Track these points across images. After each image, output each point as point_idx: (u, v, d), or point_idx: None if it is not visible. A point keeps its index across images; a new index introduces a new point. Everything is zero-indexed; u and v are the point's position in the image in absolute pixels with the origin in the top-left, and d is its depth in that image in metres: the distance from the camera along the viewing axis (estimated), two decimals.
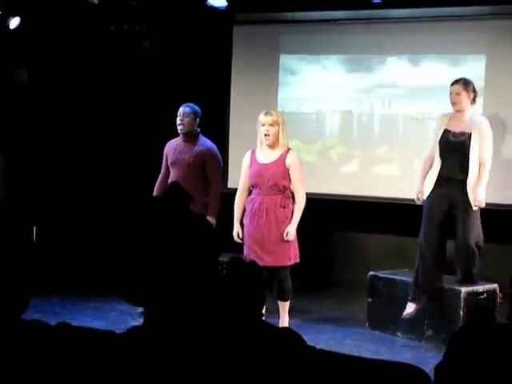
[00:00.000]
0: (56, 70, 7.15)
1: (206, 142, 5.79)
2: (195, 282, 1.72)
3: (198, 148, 5.74)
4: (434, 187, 5.42)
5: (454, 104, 5.35)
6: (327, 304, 6.58)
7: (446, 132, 5.36)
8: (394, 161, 6.93)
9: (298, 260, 5.34)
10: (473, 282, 5.43)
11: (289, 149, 5.35)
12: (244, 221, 5.38)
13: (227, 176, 7.47)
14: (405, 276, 5.82)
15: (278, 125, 5.28)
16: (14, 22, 6.68)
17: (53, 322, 2.07)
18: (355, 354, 5.00)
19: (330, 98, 7.17)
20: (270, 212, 5.24)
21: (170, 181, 5.66)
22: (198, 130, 5.80)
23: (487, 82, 6.55)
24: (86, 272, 6.69)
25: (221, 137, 7.50)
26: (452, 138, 5.33)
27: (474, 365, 1.98)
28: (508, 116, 6.44)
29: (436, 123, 5.60)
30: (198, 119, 5.79)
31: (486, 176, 5.34)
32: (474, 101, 5.37)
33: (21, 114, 6.79)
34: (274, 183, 5.24)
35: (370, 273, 5.95)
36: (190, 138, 5.75)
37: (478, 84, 6.58)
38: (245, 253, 5.32)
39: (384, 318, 5.75)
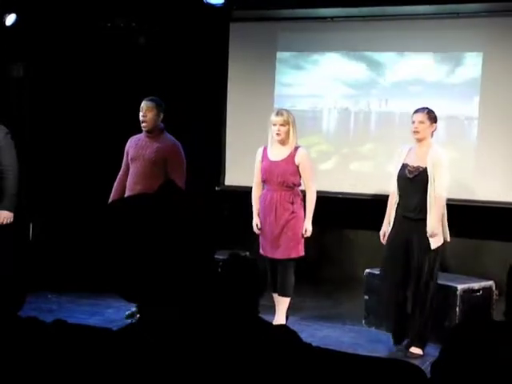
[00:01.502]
0: (52, 67, 7.13)
1: (169, 138, 5.64)
2: (191, 279, 1.72)
3: (160, 144, 5.58)
4: (392, 226, 5.16)
5: (415, 133, 5.06)
6: (323, 301, 6.59)
7: (403, 166, 5.10)
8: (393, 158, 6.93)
9: (303, 253, 5.43)
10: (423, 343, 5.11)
11: (298, 146, 5.44)
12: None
13: (224, 173, 7.47)
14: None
15: (289, 124, 5.40)
16: (10, 19, 6.67)
17: (49, 319, 2.07)
18: (351, 351, 5.02)
19: (326, 95, 7.17)
20: (279, 207, 5.36)
21: (129, 177, 5.62)
22: (162, 125, 5.64)
23: (484, 79, 6.55)
24: (82, 269, 6.68)
25: (217, 134, 7.50)
26: (408, 174, 5.06)
27: (470, 361, 1.99)
28: (504, 113, 6.45)
29: (396, 156, 5.26)
30: (161, 114, 5.61)
31: (441, 211, 5.02)
32: (432, 134, 5.12)
33: (16, 110, 6.77)
34: (284, 180, 5.36)
35: (367, 270, 5.96)
36: (154, 133, 5.59)
37: (475, 81, 6.62)
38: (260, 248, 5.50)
39: (381, 315, 5.75)
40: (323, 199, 6.55)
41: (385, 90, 6.96)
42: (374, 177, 6.90)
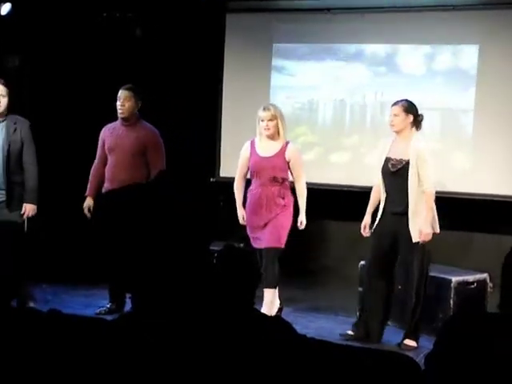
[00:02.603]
0: (48, 57, 7.10)
1: (147, 126, 5.61)
2: (186, 270, 1.73)
3: (139, 133, 5.54)
4: (379, 219, 5.16)
5: (391, 126, 5.10)
6: (318, 293, 6.60)
7: (387, 160, 5.10)
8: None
9: (282, 246, 5.37)
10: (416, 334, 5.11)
11: (288, 141, 5.43)
12: (245, 211, 5.50)
13: (219, 165, 7.46)
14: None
15: (277, 118, 5.36)
16: (5, 9, 6.64)
17: (44, 309, 2.07)
18: (345, 343, 5.04)
19: (323, 87, 7.16)
20: (270, 202, 5.35)
21: (108, 167, 5.58)
22: (137, 113, 5.62)
23: (480, 72, 6.55)
24: (77, 260, 6.68)
25: (213, 125, 7.48)
26: (391, 168, 5.07)
27: (464, 354, 1.99)
28: (501, 106, 6.45)
29: (380, 148, 5.28)
30: (139, 102, 5.58)
31: (429, 206, 5.02)
32: (416, 126, 5.10)
33: (11, 101, 6.75)
34: (274, 176, 5.35)
35: (361, 262, 5.96)
36: (131, 121, 5.56)
37: (471, 74, 6.61)
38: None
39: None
40: (320, 191, 6.57)
41: (381, 82, 6.95)
42: (370, 169, 6.90)
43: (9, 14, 6.65)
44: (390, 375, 1.82)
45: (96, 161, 5.74)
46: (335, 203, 7.13)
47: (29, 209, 5.44)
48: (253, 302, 2.52)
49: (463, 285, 5.44)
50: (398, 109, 5.07)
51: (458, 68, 6.64)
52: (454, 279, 5.41)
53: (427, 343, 4.86)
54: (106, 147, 5.65)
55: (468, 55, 6.60)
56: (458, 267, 5.94)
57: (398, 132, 5.09)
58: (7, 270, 5.10)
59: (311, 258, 7.19)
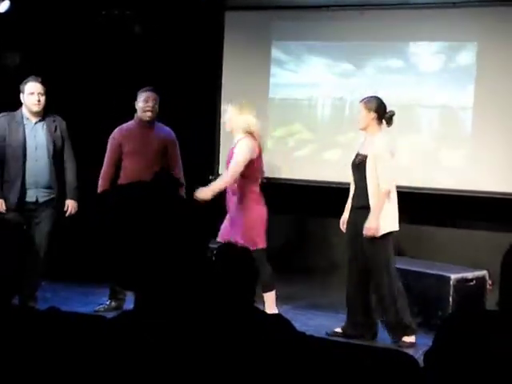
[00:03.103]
0: (47, 55, 7.09)
1: (163, 126, 5.57)
2: (185, 267, 1.72)
3: (160, 133, 5.50)
4: (348, 214, 5.23)
5: (358, 122, 5.15)
6: (317, 290, 6.60)
7: (356, 155, 5.15)
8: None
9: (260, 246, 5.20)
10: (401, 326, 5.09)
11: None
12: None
13: (218, 162, 7.46)
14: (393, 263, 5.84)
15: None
16: (4, 6, 6.63)
17: (43, 307, 2.07)
18: (344, 340, 5.04)
19: (322, 84, 7.16)
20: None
21: (131, 170, 5.35)
22: None
23: (479, 69, 6.55)
24: (76, 257, 6.68)
25: (212, 123, 7.48)
26: (356, 162, 5.12)
27: (463, 351, 2.00)
28: (499, 103, 6.45)
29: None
30: None
31: (379, 203, 4.96)
32: (387, 122, 5.09)
33: (12, 98, 6.74)
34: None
35: None
36: (152, 123, 5.53)
37: (470, 71, 6.61)
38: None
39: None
40: (319, 188, 6.58)
41: (379, 79, 6.95)
42: None
43: (8, 11, 6.64)
44: (389, 372, 1.82)
45: (107, 164, 5.54)
46: (334, 200, 7.12)
47: (71, 205, 5.42)
48: (253, 300, 2.53)
49: (462, 282, 5.45)
50: (361, 106, 5.11)
51: (456, 65, 6.65)
52: (453, 276, 5.41)
53: (426, 340, 4.86)
54: (124, 150, 5.47)
55: (467, 52, 6.60)
56: (457, 264, 5.95)
57: (362, 129, 5.12)
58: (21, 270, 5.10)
59: (310, 256, 7.19)
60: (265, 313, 2.38)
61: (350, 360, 1.88)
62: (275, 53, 7.31)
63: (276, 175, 7.24)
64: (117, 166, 5.50)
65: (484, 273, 5.60)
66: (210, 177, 7.46)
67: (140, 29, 7.21)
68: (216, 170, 7.49)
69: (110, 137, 5.56)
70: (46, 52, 7.10)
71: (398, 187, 6.72)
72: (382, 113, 5.07)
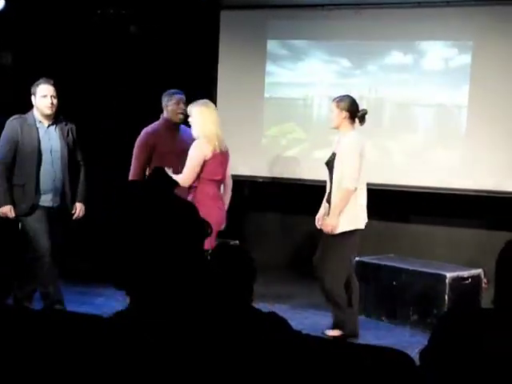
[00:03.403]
0: (42, 54, 7.09)
1: (185, 127, 5.53)
2: (181, 267, 1.72)
3: (185, 134, 5.46)
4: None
5: (331, 121, 5.16)
6: (313, 289, 6.59)
7: (332, 154, 5.20)
8: (380, 146, 6.93)
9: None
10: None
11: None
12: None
13: None
14: (390, 261, 5.86)
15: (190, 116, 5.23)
16: None
17: (39, 307, 2.07)
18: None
19: (317, 83, 7.16)
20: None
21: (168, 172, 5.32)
22: None
23: (474, 68, 6.56)
24: (71, 257, 6.67)
25: None
26: (328, 160, 5.17)
27: (458, 349, 2.00)
28: (494, 103, 6.46)
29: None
30: None
31: (340, 201, 5.00)
32: (360, 121, 5.12)
33: (4, 98, 6.73)
34: None
35: (356, 258, 5.97)
36: (179, 125, 5.53)
37: (465, 70, 6.62)
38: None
39: (369, 303, 5.79)
40: (317, 188, 6.56)
41: (375, 78, 6.96)
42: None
43: (2, 10, 6.62)
44: (384, 371, 1.83)
45: (139, 168, 5.42)
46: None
47: (80, 208, 5.33)
48: (250, 299, 2.52)
49: (458, 280, 5.46)
50: (332, 105, 5.13)
51: (451, 64, 6.65)
52: (449, 275, 5.42)
53: (422, 339, 4.86)
54: (156, 153, 5.38)
55: (462, 51, 6.61)
56: (452, 263, 5.96)
57: (335, 127, 5.13)
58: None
59: (306, 255, 7.19)
60: (261, 312, 2.38)
61: (346, 358, 1.89)
62: (270, 52, 7.31)
63: (270, 174, 7.24)
64: (146, 168, 5.43)
65: (479, 271, 5.62)
66: None
67: (135, 28, 7.21)
68: None
69: (140, 141, 5.43)
70: (40, 51, 7.09)
71: (392, 186, 6.78)
72: (354, 112, 5.09)
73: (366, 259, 5.96)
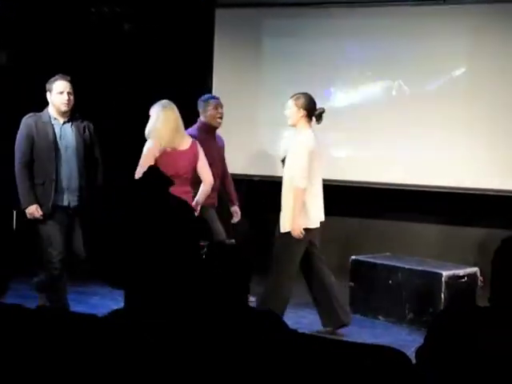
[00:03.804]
0: (36, 53, 7.06)
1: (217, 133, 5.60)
2: (176, 266, 1.72)
3: (219, 139, 5.58)
4: None
5: (288, 118, 5.14)
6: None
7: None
8: (376, 144, 6.92)
9: None
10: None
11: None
12: None
13: None
14: (386, 260, 5.86)
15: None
16: None
17: (33, 306, 2.06)
18: (336, 337, 5.04)
19: (313, 81, 7.14)
20: None
21: (212, 181, 5.22)
22: None
23: (470, 67, 6.56)
24: (66, 256, 6.66)
25: None
26: (284, 157, 5.16)
27: (454, 347, 2.00)
28: (491, 103, 6.45)
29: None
30: None
31: (293, 201, 5.00)
32: (316, 120, 5.12)
33: (0, 98, 6.71)
34: None
35: (352, 257, 5.98)
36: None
37: (461, 70, 6.62)
38: None
39: (365, 301, 5.79)
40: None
41: (371, 76, 6.95)
42: (362, 164, 6.92)
43: None
44: (381, 369, 1.82)
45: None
46: (325, 198, 7.12)
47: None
48: (245, 298, 2.52)
49: (454, 279, 5.46)
50: (290, 102, 5.12)
51: (448, 62, 6.64)
52: (445, 273, 5.42)
53: (418, 337, 4.87)
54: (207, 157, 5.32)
55: (458, 50, 6.60)
56: (448, 261, 5.96)
57: (292, 125, 5.12)
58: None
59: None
60: (257, 310, 2.38)
61: (342, 357, 1.88)
62: (266, 50, 7.29)
63: (266, 173, 7.23)
64: None
65: (475, 270, 5.62)
66: None
67: (130, 26, 7.19)
68: None
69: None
70: (36, 50, 7.07)
71: (389, 185, 6.77)
72: (311, 110, 5.09)
73: (361, 258, 5.96)
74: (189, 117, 7.33)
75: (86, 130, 5.18)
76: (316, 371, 1.79)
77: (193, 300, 1.96)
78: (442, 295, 5.36)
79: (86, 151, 5.13)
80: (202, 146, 5.29)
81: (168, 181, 1.83)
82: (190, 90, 7.43)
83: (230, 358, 1.78)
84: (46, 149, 5.00)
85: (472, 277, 5.57)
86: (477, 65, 6.52)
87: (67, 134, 5.09)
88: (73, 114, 5.16)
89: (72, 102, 5.10)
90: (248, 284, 2.64)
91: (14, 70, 7.04)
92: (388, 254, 6.16)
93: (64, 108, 5.06)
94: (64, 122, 5.10)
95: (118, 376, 1.69)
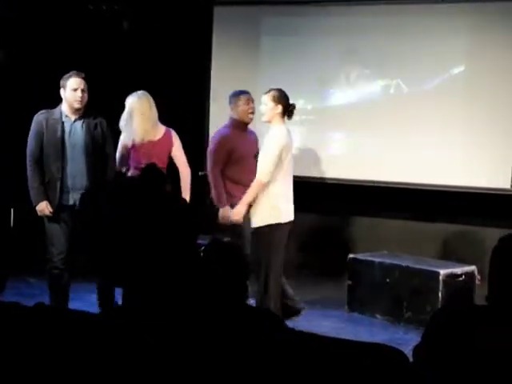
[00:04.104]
0: (34, 51, 7.06)
1: (249, 128, 5.43)
2: (174, 264, 1.72)
3: (252, 135, 5.41)
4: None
5: (262, 114, 5.16)
6: (307, 287, 6.60)
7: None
8: (374, 142, 6.92)
9: None
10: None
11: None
12: None
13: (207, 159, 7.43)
14: (384, 258, 5.86)
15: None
16: None
17: (31, 304, 2.05)
18: (334, 336, 5.04)
19: (311, 80, 7.14)
20: None
21: (242, 174, 5.19)
22: None
23: (468, 67, 6.56)
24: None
25: (200, 119, 7.46)
26: (257, 152, 5.20)
27: (452, 346, 2.00)
28: (488, 102, 6.45)
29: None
30: None
31: (249, 192, 5.05)
32: (288, 115, 5.15)
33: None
34: None
35: (350, 255, 5.98)
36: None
37: (459, 69, 6.62)
38: None
39: (363, 300, 5.79)
40: (307, 185, 6.57)
41: (369, 73, 6.95)
42: (361, 163, 6.92)
43: None
44: (379, 367, 1.82)
45: (219, 175, 5.27)
46: (321, 197, 7.13)
47: None
48: (244, 296, 2.52)
49: (451, 277, 5.46)
50: (267, 99, 5.12)
51: (446, 61, 6.64)
52: (442, 272, 5.43)
53: (415, 336, 4.87)
54: (237, 155, 5.24)
55: (456, 49, 6.60)
56: (445, 260, 5.96)
57: (267, 121, 5.13)
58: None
59: (299, 252, 7.19)
60: (255, 309, 2.38)
61: (340, 355, 1.88)
62: (264, 48, 7.29)
63: None
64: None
65: (473, 268, 5.62)
66: (200, 173, 7.45)
67: (128, 24, 7.18)
68: (205, 166, 7.47)
69: (215, 145, 5.32)
70: (33, 48, 7.06)
71: (386, 183, 6.77)
72: (287, 106, 5.12)
73: (359, 256, 5.96)
74: (188, 114, 7.36)
75: (98, 127, 5.11)
76: (314, 370, 1.79)
77: (191, 298, 1.96)
78: (440, 294, 5.36)
79: (96, 149, 5.06)
80: (234, 143, 5.26)
81: (165, 178, 1.83)
82: (188, 88, 7.44)
83: (229, 357, 1.78)
84: (53, 146, 4.97)
85: (469, 275, 5.57)
86: (475, 64, 6.52)
87: (77, 132, 5.05)
88: (86, 111, 5.11)
89: (85, 100, 5.07)
90: (246, 282, 2.64)
91: (12, 69, 7.03)
92: (385, 252, 6.17)
93: (77, 105, 5.03)
94: (75, 120, 5.07)
95: (116, 374, 1.69)
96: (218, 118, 7.37)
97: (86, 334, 1.75)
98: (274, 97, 5.08)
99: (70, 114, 5.06)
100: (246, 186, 5.16)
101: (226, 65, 7.34)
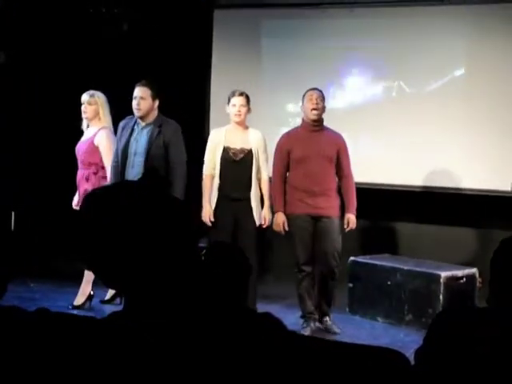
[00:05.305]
0: (34, 53, 7.07)
1: (333, 130, 5.36)
2: (174, 266, 1.71)
3: (332, 136, 5.27)
4: (215, 207, 5.25)
5: (237, 115, 5.23)
6: None
7: (225, 149, 5.24)
8: (375, 144, 6.92)
9: None
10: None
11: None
12: None
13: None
14: (385, 261, 5.86)
15: (97, 104, 5.49)
16: None
17: (31, 308, 2.05)
18: (335, 338, 5.04)
19: (311, 82, 7.13)
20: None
21: (300, 177, 5.17)
22: None
23: (468, 68, 6.56)
24: (64, 258, 6.66)
25: (201, 122, 7.46)
26: (233, 156, 5.22)
27: (453, 348, 1.99)
28: (488, 103, 6.45)
29: (210, 140, 5.41)
30: None
31: (268, 197, 5.28)
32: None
33: None
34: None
35: (351, 258, 5.97)
36: (321, 125, 5.34)
37: (459, 71, 6.62)
38: None
39: (364, 302, 5.78)
40: None
41: (370, 77, 6.95)
42: (358, 164, 6.91)
43: None
44: (380, 370, 1.82)
45: (279, 176, 5.29)
46: None
47: None
48: (244, 299, 2.51)
49: (452, 280, 5.46)
50: (244, 100, 5.27)
51: (446, 62, 6.64)
52: (444, 274, 5.42)
53: (417, 338, 4.87)
54: (296, 156, 5.20)
55: (456, 51, 6.60)
56: (447, 262, 5.96)
57: (241, 122, 5.29)
58: None
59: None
60: (255, 312, 2.37)
61: (341, 358, 1.87)
62: (265, 51, 7.29)
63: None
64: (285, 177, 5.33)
65: (474, 271, 5.62)
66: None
67: (128, 27, 7.19)
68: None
69: (276, 145, 5.33)
70: (34, 50, 7.07)
71: (387, 185, 6.76)
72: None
73: (360, 259, 5.96)
74: (187, 117, 7.35)
75: (161, 135, 5.09)
76: (315, 373, 1.79)
77: (192, 301, 1.96)
78: (441, 296, 5.36)
79: (155, 156, 5.03)
80: (303, 144, 5.22)
81: (166, 181, 1.83)
82: (189, 91, 7.44)
83: (229, 359, 1.77)
84: (121, 154, 5.07)
85: (471, 278, 5.57)
86: (476, 65, 6.53)
87: (141, 139, 5.08)
88: (157, 119, 5.13)
89: (146, 107, 5.07)
90: (247, 285, 2.64)
91: (13, 70, 7.03)
92: (387, 254, 6.16)
93: (136, 114, 5.10)
94: (143, 127, 5.11)
95: (118, 378, 1.69)
96: (218, 120, 7.38)
97: (88, 339, 1.74)
98: (248, 98, 5.30)
99: (140, 122, 5.12)
100: (304, 189, 5.25)
101: (226, 68, 7.35)
